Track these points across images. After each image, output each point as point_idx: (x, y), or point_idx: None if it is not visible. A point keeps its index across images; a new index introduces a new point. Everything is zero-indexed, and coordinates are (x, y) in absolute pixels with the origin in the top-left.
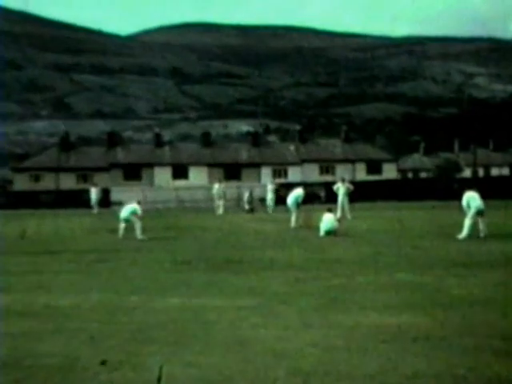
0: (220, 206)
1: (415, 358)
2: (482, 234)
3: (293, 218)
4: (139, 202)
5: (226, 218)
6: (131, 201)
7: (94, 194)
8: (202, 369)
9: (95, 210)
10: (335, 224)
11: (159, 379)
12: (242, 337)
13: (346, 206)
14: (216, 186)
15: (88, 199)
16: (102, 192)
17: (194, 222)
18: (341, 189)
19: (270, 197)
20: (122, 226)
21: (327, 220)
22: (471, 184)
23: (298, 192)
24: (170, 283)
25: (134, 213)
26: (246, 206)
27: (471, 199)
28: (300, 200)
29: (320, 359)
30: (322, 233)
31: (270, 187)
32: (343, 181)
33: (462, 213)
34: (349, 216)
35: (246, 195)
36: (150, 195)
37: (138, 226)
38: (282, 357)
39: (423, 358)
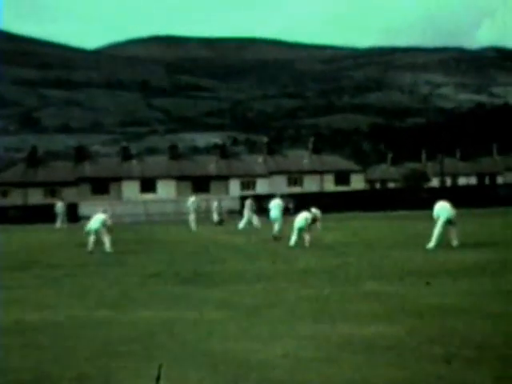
0: (193, 220)
1: (386, 368)
2: (454, 243)
3: (277, 228)
4: (105, 211)
5: (194, 231)
6: (97, 212)
7: (59, 208)
8: (172, 382)
9: (58, 225)
10: (307, 222)
11: (158, 378)
12: (213, 349)
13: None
14: (192, 198)
15: (54, 214)
16: (66, 206)
17: (163, 235)
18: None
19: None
20: (92, 238)
21: (299, 218)
22: (439, 193)
23: (278, 202)
24: (140, 297)
25: (103, 224)
26: (215, 217)
27: (442, 209)
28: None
29: (291, 370)
30: (294, 234)
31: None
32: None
33: (431, 222)
34: (319, 227)
35: (215, 205)
36: (119, 209)
37: (107, 239)
38: (252, 368)
39: (394, 367)
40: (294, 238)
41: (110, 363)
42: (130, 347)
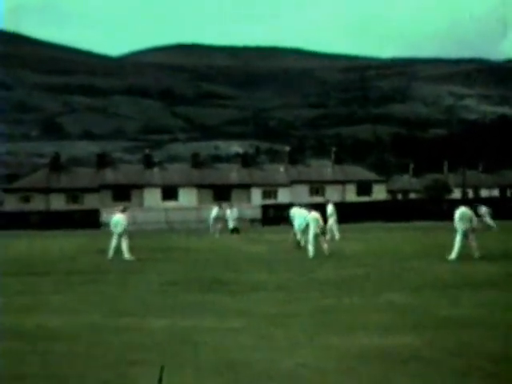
0: (217, 230)
1: (405, 380)
2: (476, 255)
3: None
4: (124, 210)
5: (215, 240)
6: (115, 212)
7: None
8: None
9: None
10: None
11: (160, 380)
12: (232, 358)
13: (335, 227)
14: (216, 209)
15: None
16: (87, 213)
17: (183, 243)
18: (329, 210)
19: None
20: (113, 243)
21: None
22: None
23: (303, 213)
24: (159, 304)
25: (125, 227)
26: (231, 225)
27: (460, 219)
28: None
29: (310, 381)
30: (310, 243)
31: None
32: (327, 202)
33: (452, 233)
34: (337, 236)
35: (228, 213)
36: (140, 216)
37: (125, 245)
38: (271, 379)
39: (413, 379)
40: (311, 249)
41: (129, 370)
42: (148, 355)
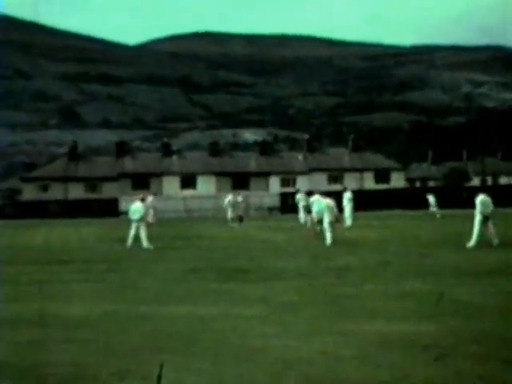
0: (234, 217)
1: (425, 367)
2: (495, 242)
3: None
4: (143, 199)
5: (234, 228)
6: (135, 201)
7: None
8: (212, 377)
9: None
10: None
11: (159, 378)
12: (252, 346)
13: (347, 214)
14: (229, 196)
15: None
16: (107, 202)
17: (202, 231)
18: (346, 198)
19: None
20: (132, 231)
21: (325, 205)
22: (482, 189)
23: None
24: (179, 292)
25: (142, 215)
26: (235, 213)
27: (482, 203)
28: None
29: (330, 368)
30: (327, 230)
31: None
32: (345, 190)
33: (472, 221)
34: (349, 222)
35: (239, 200)
36: (159, 204)
37: (143, 234)
38: (292, 366)
39: (433, 366)
40: (329, 235)
41: (151, 358)
42: (169, 342)
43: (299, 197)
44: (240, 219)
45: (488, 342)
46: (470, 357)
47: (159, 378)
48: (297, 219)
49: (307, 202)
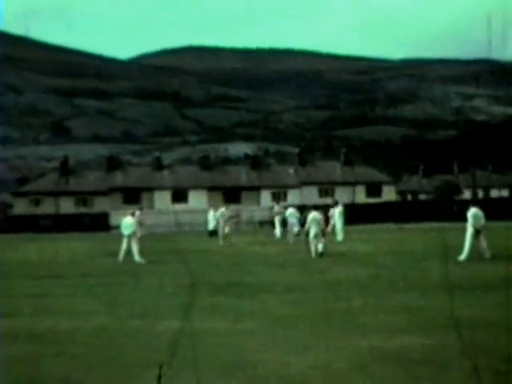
0: (225, 234)
1: (417, 381)
2: (486, 255)
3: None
4: (133, 214)
5: (225, 242)
6: (126, 216)
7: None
8: None
9: None
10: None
11: (159, 378)
12: (244, 360)
13: (339, 227)
14: (222, 209)
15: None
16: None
17: (193, 245)
18: (336, 212)
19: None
20: (124, 246)
21: (312, 220)
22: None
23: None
24: (171, 307)
25: (133, 229)
26: (210, 227)
27: (473, 217)
28: None
29: (323, 382)
30: (312, 243)
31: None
32: (336, 203)
33: (463, 234)
34: (340, 237)
35: (211, 214)
36: (150, 219)
37: (135, 248)
38: (284, 380)
39: (426, 380)
40: (313, 249)
41: (143, 373)
42: (162, 357)
43: (276, 211)
44: (214, 233)
45: (482, 356)
46: (463, 370)
47: (159, 377)
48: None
49: (283, 215)
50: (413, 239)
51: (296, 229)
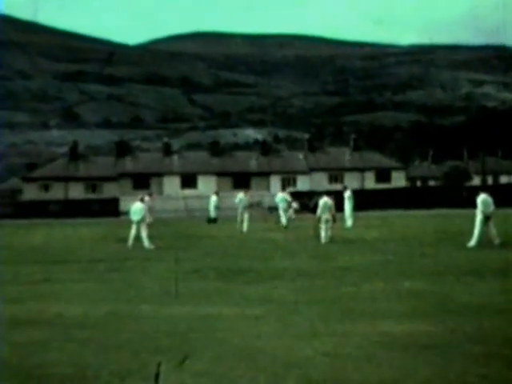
0: (245, 220)
1: (426, 366)
2: (496, 241)
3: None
4: (142, 200)
5: (235, 227)
6: (135, 202)
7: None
8: (212, 378)
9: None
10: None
11: (157, 376)
12: (252, 346)
13: (348, 213)
14: (240, 195)
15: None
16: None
17: (203, 230)
18: (345, 196)
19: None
20: (133, 232)
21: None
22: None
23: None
24: (180, 292)
25: (143, 215)
26: (213, 214)
27: (483, 203)
28: None
29: (331, 368)
30: (322, 229)
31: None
32: (345, 189)
33: (472, 220)
34: (349, 222)
35: (213, 199)
36: (159, 204)
37: (144, 233)
38: (292, 366)
39: (435, 366)
40: (324, 234)
41: (151, 358)
42: (170, 342)
43: (280, 197)
44: (214, 221)
45: (491, 342)
46: (472, 356)
47: (157, 376)
48: (297, 219)
49: (288, 202)
50: (422, 225)
51: (284, 216)
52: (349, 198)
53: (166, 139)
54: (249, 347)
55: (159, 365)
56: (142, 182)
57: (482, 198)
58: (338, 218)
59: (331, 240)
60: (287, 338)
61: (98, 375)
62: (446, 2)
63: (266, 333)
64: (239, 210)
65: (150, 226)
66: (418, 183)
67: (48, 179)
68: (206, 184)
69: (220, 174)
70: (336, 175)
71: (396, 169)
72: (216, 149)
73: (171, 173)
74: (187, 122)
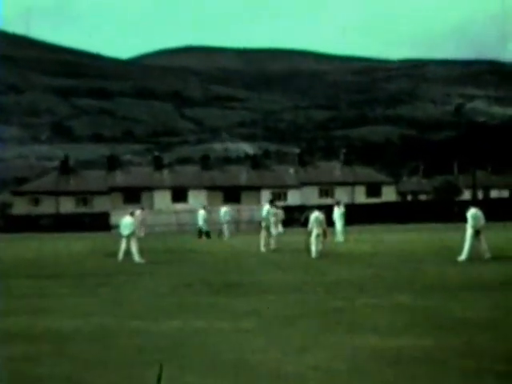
0: (227, 230)
1: (417, 381)
2: (486, 256)
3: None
4: (132, 214)
5: (226, 241)
6: (125, 216)
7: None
8: None
9: None
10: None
11: (159, 379)
12: (244, 360)
13: (339, 228)
14: (224, 209)
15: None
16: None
17: (194, 245)
18: (336, 212)
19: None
20: (123, 246)
21: (314, 220)
22: (473, 203)
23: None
24: (171, 306)
25: (133, 229)
26: (204, 227)
27: (473, 217)
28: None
29: (321, 382)
30: (313, 243)
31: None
32: (338, 204)
33: (463, 235)
34: (341, 239)
35: (201, 214)
36: (150, 219)
37: (134, 248)
38: (283, 380)
39: (425, 381)
40: (314, 249)
41: (142, 373)
42: (161, 357)
43: (267, 210)
44: (207, 234)
45: (482, 357)
46: (463, 372)
47: (159, 378)
48: (287, 233)
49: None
50: (412, 240)
51: (274, 230)
52: (342, 214)
53: (156, 153)
54: (239, 361)
55: (161, 366)
56: (132, 196)
57: (472, 212)
58: (329, 233)
59: (322, 254)
60: (278, 352)
61: None
62: (436, 16)
63: (257, 346)
64: (222, 222)
65: (140, 240)
66: (409, 197)
67: (39, 193)
68: (196, 198)
69: (210, 188)
70: (327, 189)
71: (386, 183)
72: (207, 163)
73: (162, 187)
74: (178, 136)
